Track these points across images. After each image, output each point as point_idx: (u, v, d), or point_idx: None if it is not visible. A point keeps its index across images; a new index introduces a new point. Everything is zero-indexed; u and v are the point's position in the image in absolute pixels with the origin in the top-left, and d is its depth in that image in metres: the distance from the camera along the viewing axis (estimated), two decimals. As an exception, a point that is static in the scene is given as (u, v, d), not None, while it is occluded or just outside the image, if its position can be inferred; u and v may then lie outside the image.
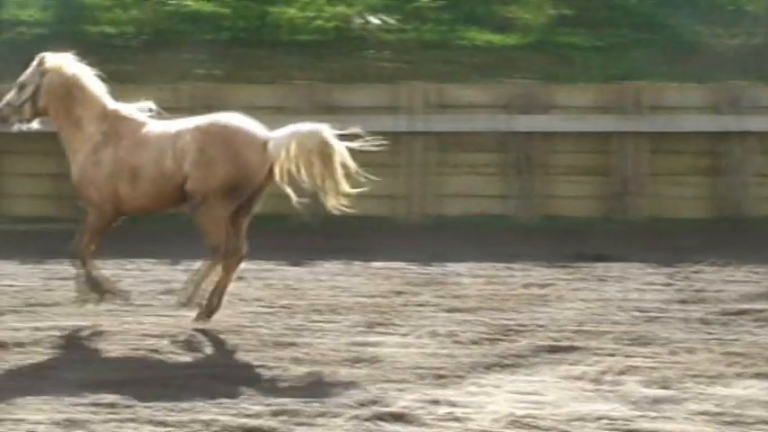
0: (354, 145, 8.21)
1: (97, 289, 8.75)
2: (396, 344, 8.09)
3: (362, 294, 9.95)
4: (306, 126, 8.28)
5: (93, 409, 6.45)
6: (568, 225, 13.83)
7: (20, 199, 13.82)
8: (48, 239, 12.54)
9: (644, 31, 17.13)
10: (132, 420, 6.26)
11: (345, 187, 8.21)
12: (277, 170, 8.19)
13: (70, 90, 8.55)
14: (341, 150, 8.19)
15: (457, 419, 6.27)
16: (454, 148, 14.10)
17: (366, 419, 6.25)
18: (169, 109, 13.80)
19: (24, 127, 8.79)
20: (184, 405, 6.50)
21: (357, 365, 7.46)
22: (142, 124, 8.55)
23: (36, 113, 8.66)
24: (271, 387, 6.99)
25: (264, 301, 9.63)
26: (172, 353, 7.86)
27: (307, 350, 7.86)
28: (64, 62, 8.62)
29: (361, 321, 8.84)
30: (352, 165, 8.21)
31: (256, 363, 7.56)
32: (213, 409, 6.43)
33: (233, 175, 8.21)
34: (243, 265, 8.83)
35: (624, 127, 14.05)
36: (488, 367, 7.44)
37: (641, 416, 6.34)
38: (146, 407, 6.47)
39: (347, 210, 8.33)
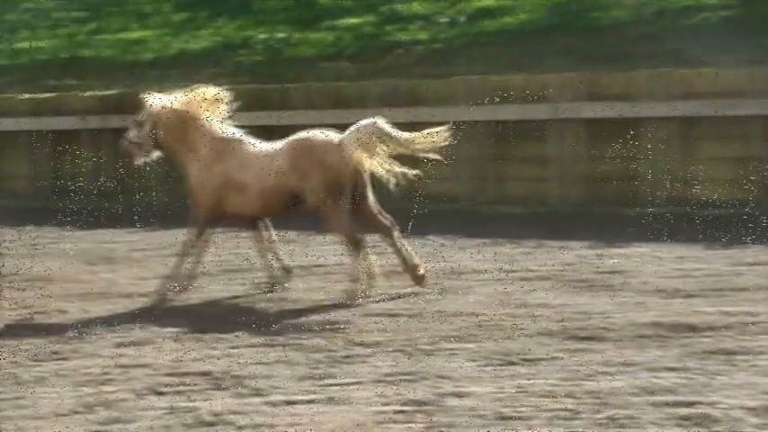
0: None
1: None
2: None
3: None
4: (363, 121, 9.59)
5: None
6: None
7: (708, 183, 13.77)
8: (734, 224, 12.45)
9: None
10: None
11: (408, 168, 9.49)
12: (355, 162, 9.47)
13: (185, 122, 10.07)
14: (397, 136, 9.48)
15: None
16: None
17: None
18: None
19: (147, 159, 10.36)
20: None
21: None
22: (246, 145, 10.01)
23: (158, 146, 10.28)
24: None
25: None
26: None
27: None
28: (171, 102, 10.14)
29: None
30: (411, 147, 9.50)
31: None
32: None
33: (325, 178, 9.51)
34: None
35: None
36: None
37: None
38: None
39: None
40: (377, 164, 9.52)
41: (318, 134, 9.80)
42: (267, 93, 16.21)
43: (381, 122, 9.58)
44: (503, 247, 11.95)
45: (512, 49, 17.08)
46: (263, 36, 20.45)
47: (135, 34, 22.00)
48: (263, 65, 18.82)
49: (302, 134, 9.86)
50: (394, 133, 9.54)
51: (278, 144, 9.93)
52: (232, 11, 21.94)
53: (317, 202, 9.59)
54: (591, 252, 11.49)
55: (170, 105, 10.19)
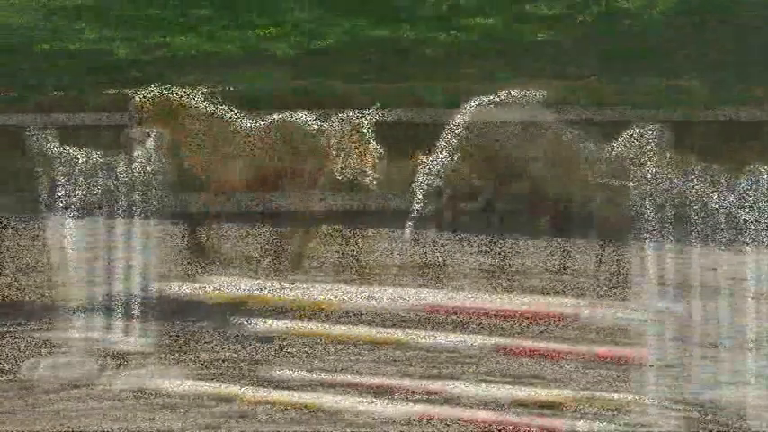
0: None
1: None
2: None
3: None
4: (343, 114, 10.22)
5: None
6: None
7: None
8: None
9: None
10: None
11: (374, 168, 10.18)
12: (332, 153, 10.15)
13: (168, 109, 10.62)
14: (371, 136, 10.15)
15: None
16: None
17: None
18: None
19: (142, 149, 10.68)
20: None
21: None
22: (229, 122, 10.56)
23: (149, 135, 10.65)
24: None
25: None
26: None
27: None
28: (146, 97, 10.69)
29: None
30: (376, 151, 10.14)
31: None
32: None
33: (299, 164, 10.18)
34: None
35: None
36: None
37: None
38: None
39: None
40: (349, 161, 10.18)
41: (301, 118, 10.37)
42: (393, 92, 16.24)
43: (369, 123, 10.20)
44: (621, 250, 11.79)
45: (640, 49, 16.86)
46: (391, 34, 20.50)
47: (265, 30, 22.21)
48: (392, 64, 18.85)
49: (284, 115, 10.44)
50: (369, 134, 10.22)
51: (261, 122, 10.47)
52: (360, 8, 22.03)
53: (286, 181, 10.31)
54: (708, 256, 11.24)
55: (143, 101, 10.74)
